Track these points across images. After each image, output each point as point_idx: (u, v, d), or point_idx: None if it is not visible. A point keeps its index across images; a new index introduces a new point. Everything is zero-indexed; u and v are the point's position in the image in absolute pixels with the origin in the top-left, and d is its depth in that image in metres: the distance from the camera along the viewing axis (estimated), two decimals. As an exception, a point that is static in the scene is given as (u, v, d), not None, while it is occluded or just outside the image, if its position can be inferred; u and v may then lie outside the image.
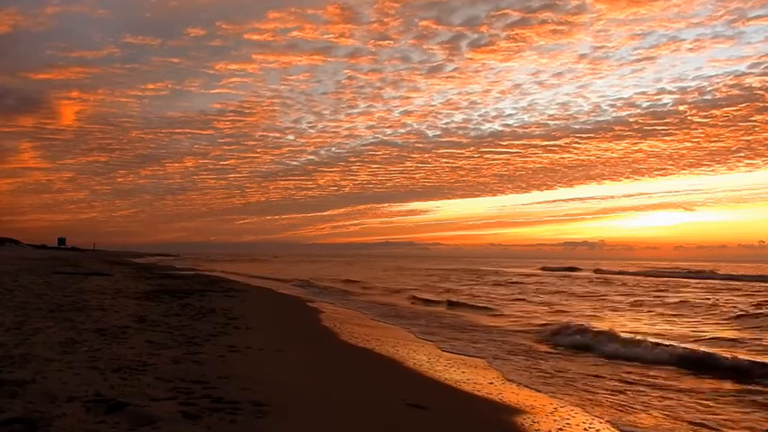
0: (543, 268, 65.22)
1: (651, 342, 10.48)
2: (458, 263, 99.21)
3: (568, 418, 5.84)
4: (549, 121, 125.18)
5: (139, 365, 6.16)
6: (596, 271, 57.58)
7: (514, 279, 38.21)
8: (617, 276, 46.51)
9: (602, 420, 5.89)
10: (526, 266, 75.70)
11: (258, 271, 45.40)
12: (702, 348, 10.20)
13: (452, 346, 10.44)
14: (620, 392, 7.30)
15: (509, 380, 7.75)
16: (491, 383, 7.41)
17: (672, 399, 7.06)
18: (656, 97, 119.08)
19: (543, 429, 5.40)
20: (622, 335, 11.35)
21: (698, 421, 6.07)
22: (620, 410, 6.38)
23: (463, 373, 8.03)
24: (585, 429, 5.51)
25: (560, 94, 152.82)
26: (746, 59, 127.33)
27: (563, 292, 26.96)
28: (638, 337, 11.24)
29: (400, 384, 7.03)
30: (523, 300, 22.23)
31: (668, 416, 6.23)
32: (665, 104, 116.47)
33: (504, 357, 9.59)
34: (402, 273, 48.76)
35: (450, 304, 19.44)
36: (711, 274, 46.56)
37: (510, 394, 6.81)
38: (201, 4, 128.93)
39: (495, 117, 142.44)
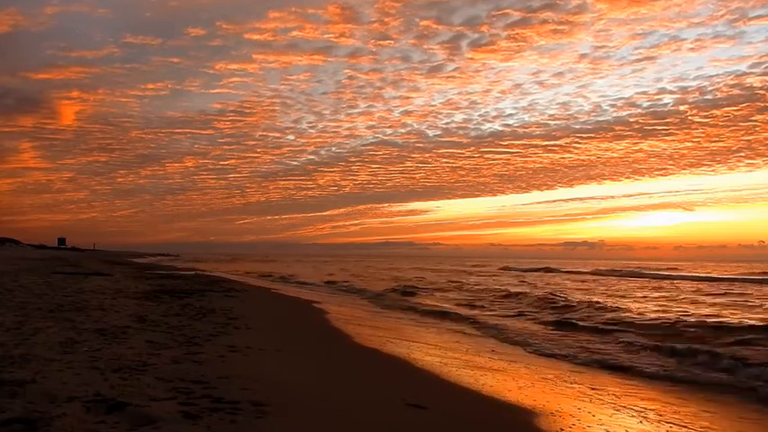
0: (503, 268, 66.00)
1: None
2: (439, 262, 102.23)
3: (576, 418, 5.84)
4: (549, 121, 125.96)
5: (139, 365, 6.15)
6: (545, 269, 59.80)
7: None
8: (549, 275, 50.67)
9: (612, 420, 5.91)
10: (490, 266, 77.27)
11: (236, 269, 49.63)
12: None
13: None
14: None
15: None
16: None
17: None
18: (656, 97, 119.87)
19: (546, 429, 5.40)
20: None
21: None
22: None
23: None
24: None
25: (561, 94, 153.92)
26: (747, 59, 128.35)
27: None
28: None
29: (401, 383, 7.03)
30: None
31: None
32: (665, 104, 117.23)
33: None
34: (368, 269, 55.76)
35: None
36: (664, 274, 47.43)
37: (510, 393, 6.81)
38: (201, 4, 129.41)
39: (495, 117, 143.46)
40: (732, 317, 15.27)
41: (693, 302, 20.52)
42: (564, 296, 21.69)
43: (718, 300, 21.75)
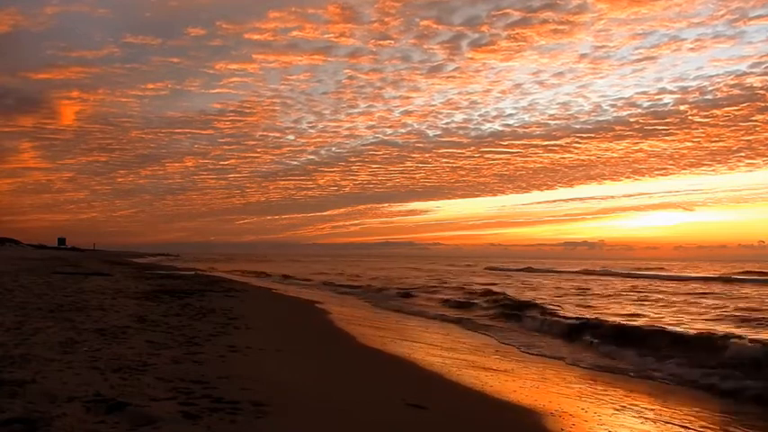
0: (487, 268, 66.39)
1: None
2: (432, 261, 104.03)
3: (577, 418, 5.84)
4: (549, 121, 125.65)
5: (139, 365, 6.15)
6: (527, 269, 60.45)
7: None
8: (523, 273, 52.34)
9: (609, 419, 5.91)
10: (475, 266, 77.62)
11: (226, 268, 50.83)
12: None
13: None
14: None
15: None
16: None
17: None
18: (656, 97, 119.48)
19: (548, 428, 5.40)
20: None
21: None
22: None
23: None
24: None
25: (561, 94, 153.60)
26: (747, 59, 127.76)
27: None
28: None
29: (401, 383, 7.03)
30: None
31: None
32: (665, 104, 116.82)
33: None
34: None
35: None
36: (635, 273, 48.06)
37: (512, 393, 6.81)
38: (201, 4, 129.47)
39: (495, 117, 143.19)
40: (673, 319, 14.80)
41: (665, 304, 20.15)
42: (531, 298, 21.82)
43: (690, 298, 21.65)
